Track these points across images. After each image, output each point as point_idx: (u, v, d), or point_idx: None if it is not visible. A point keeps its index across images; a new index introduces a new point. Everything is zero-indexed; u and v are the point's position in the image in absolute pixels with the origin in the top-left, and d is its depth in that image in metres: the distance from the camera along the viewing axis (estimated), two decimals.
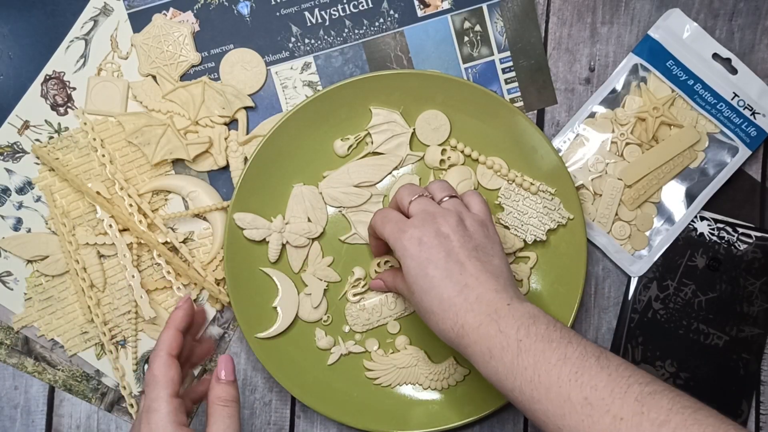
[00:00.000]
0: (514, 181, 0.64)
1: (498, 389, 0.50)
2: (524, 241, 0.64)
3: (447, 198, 0.56)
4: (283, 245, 0.64)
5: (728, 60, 0.65)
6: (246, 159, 0.65)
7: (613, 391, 0.44)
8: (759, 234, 0.65)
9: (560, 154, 0.64)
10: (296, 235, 0.64)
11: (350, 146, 0.65)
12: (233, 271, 0.63)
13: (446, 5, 0.66)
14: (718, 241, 0.66)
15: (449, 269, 0.51)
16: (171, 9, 0.65)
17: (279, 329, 0.64)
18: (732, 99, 0.65)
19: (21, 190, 0.66)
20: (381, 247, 0.62)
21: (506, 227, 0.64)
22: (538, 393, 0.46)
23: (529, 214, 0.64)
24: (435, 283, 0.51)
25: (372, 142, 0.64)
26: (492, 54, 0.66)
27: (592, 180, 0.65)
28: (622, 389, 0.44)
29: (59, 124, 0.65)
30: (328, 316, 0.65)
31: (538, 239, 0.63)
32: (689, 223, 0.66)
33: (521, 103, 0.66)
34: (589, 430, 0.43)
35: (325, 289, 0.64)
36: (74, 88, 0.65)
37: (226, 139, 0.65)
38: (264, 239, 0.64)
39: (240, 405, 0.53)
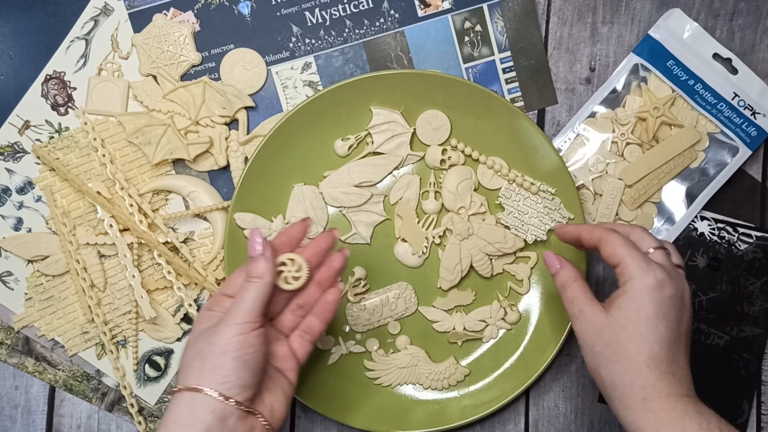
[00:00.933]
0: (514, 181, 0.64)
1: None
2: (524, 240, 0.64)
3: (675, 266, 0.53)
4: None
5: (729, 60, 0.65)
6: (246, 159, 0.65)
7: None
8: (759, 234, 0.66)
9: (561, 154, 0.64)
10: None
11: (351, 146, 0.65)
12: (233, 271, 0.63)
13: (447, 5, 0.66)
14: (719, 241, 0.66)
15: (673, 336, 0.49)
16: (171, 9, 0.65)
17: None
18: (732, 99, 0.65)
19: (21, 190, 0.66)
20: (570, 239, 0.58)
21: (506, 227, 0.64)
22: None
23: (529, 214, 0.64)
24: (658, 338, 0.48)
25: (372, 142, 0.64)
26: (492, 54, 0.66)
27: (592, 180, 0.65)
28: None
29: (60, 124, 0.65)
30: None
31: (538, 239, 0.63)
32: (690, 223, 0.66)
33: (522, 103, 0.66)
34: None
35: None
36: (75, 88, 0.65)
37: (226, 139, 0.65)
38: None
39: (270, 284, 0.50)
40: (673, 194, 0.65)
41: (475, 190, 0.64)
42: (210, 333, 0.49)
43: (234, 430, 0.47)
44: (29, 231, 0.65)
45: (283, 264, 0.52)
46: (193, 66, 0.65)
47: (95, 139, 0.64)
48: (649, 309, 0.49)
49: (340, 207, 0.64)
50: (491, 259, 0.64)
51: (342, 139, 0.64)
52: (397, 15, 0.66)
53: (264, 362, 0.50)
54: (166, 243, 0.64)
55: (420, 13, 0.66)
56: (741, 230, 0.66)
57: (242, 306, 0.49)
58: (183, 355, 0.50)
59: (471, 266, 0.64)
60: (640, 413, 0.47)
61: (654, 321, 0.48)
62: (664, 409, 0.47)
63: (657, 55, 0.65)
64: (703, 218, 0.66)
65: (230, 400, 0.47)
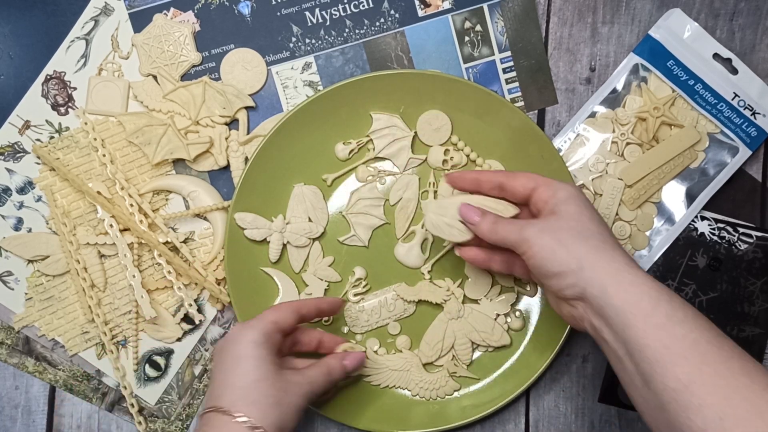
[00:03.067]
0: None
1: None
2: (510, 338, 0.64)
3: None
4: (284, 245, 0.64)
5: (729, 60, 0.65)
6: (247, 159, 0.65)
7: None
8: (759, 234, 0.66)
9: (561, 154, 0.64)
10: (297, 235, 0.64)
11: (351, 150, 0.65)
12: (234, 271, 0.63)
13: (447, 5, 0.66)
14: (719, 241, 0.66)
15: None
16: (172, 9, 0.65)
17: None
18: (732, 99, 0.65)
19: (22, 190, 0.66)
20: (480, 257, 0.59)
21: (495, 319, 0.64)
22: None
23: None
24: (603, 226, 0.52)
25: (374, 148, 0.64)
26: (493, 54, 0.66)
27: (592, 180, 0.65)
28: None
29: (60, 123, 0.65)
30: (328, 317, 0.65)
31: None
32: (690, 223, 0.66)
33: (522, 103, 0.66)
34: None
35: (326, 289, 0.64)
36: (75, 88, 0.65)
37: (226, 139, 0.65)
38: (265, 239, 0.64)
39: (333, 384, 0.57)
40: (673, 194, 0.65)
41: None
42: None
43: None
44: (29, 231, 0.65)
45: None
46: (194, 66, 0.65)
47: (95, 139, 0.64)
48: (587, 202, 0.53)
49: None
50: (474, 347, 0.64)
51: (343, 143, 0.64)
52: (397, 15, 0.66)
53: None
54: (166, 243, 0.65)
55: (420, 13, 0.66)
56: (741, 230, 0.66)
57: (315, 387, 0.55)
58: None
59: (452, 347, 0.64)
60: (627, 277, 0.48)
61: (593, 209, 0.52)
62: (645, 277, 0.48)
63: (657, 55, 0.65)
64: (703, 218, 0.66)
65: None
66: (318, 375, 0.55)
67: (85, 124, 0.65)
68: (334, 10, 0.66)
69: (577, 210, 0.52)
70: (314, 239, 0.64)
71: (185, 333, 0.66)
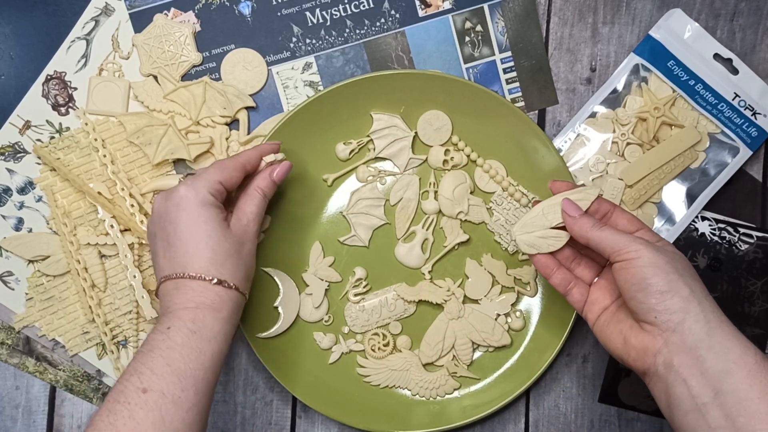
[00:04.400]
0: (506, 189, 0.64)
1: None
2: (511, 339, 0.64)
3: None
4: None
5: (729, 60, 0.65)
6: None
7: None
8: (760, 234, 0.66)
9: (561, 154, 0.64)
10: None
11: (352, 150, 0.65)
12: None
13: (447, 5, 0.66)
14: (719, 241, 0.66)
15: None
16: (172, 9, 0.65)
17: (280, 329, 0.64)
18: (733, 99, 0.65)
19: (22, 190, 0.66)
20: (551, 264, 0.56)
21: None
22: None
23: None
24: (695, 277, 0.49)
25: (374, 148, 0.64)
26: (493, 54, 0.66)
27: (593, 180, 0.65)
28: None
29: (60, 124, 0.65)
30: (330, 316, 0.65)
31: (519, 250, 0.64)
32: (690, 223, 0.66)
33: (522, 103, 0.66)
34: None
35: (326, 290, 0.64)
36: (75, 88, 0.65)
37: (227, 139, 0.65)
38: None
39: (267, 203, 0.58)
40: (674, 194, 0.65)
41: (471, 192, 0.65)
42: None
43: None
44: (30, 231, 0.65)
45: (375, 335, 0.64)
46: (194, 66, 0.66)
47: (96, 140, 0.64)
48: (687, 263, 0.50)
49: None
50: (474, 347, 0.64)
51: (344, 143, 0.64)
52: (397, 15, 0.66)
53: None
54: None
55: (420, 13, 0.66)
56: (742, 230, 0.66)
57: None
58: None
59: (452, 347, 0.64)
60: (729, 324, 0.47)
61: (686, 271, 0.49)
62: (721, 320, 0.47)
63: (658, 55, 0.65)
64: (703, 218, 0.66)
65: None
66: (255, 206, 0.57)
67: (86, 124, 0.65)
68: (335, 11, 0.66)
69: (682, 259, 0.50)
70: (317, 240, 0.65)
71: None
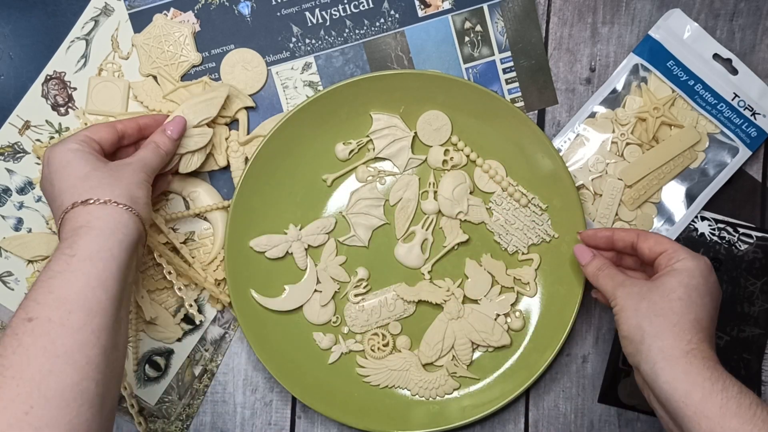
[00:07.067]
0: (506, 189, 0.64)
1: None
2: (509, 335, 0.64)
3: None
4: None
5: (729, 60, 0.65)
6: (247, 159, 0.65)
7: None
8: (760, 234, 0.66)
9: (561, 154, 0.64)
10: (314, 236, 0.64)
11: (351, 151, 0.65)
12: (234, 272, 0.63)
13: (447, 5, 0.66)
14: (719, 241, 0.66)
15: (713, 314, 0.53)
16: (172, 9, 0.65)
17: (275, 305, 0.64)
18: (732, 99, 0.65)
19: (22, 190, 0.66)
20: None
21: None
22: None
23: (516, 225, 0.64)
24: (705, 308, 0.52)
25: (374, 148, 0.64)
26: (493, 54, 0.66)
27: (592, 180, 0.65)
28: None
29: (60, 124, 0.65)
30: (337, 317, 0.65)
31: (519, 251, 0.64)
32: (690, 223, 0.66)
33: (522, 103, 0.66)
34: None
35: (336, 291, 0.65)
36: (75, 88, 0.65)
37: (227, 139, 0.65)
38: (287, 252, 0.64)
39: (167, 156, 0.59)
40: (673, 194, 0.65)
41: (471, 193, 0.65)
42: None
43: None
44: (29, 231, 0.65)
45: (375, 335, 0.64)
46: (194, 66, 0.66)
47: None
48: (701, 283, 0.52)
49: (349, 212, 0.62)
50: (474, 347, 0.64)
51: (343, 143, 0.64)
52: (397, 15, 0.66)
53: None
54: (166, 243, 0.64)
55: (420, 13, 0.66)
56: (741, 230, 0.66)
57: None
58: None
59: (452, 347, 0.64)
60: (681, 364, 0.49)
61: (703, 293, 0.51)
62: (707, 367, 0.48)
63: (657, 55, 0.65)
64: (703, 218, 0.66)
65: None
66: (147, 153, 0.57)
67: (85, 124, 0.65)
68: (334, 11, 0.66)
69: (684, 288, 0.51)
70: (329, 234, 0.65)
71: (185, 333, 0.66)
